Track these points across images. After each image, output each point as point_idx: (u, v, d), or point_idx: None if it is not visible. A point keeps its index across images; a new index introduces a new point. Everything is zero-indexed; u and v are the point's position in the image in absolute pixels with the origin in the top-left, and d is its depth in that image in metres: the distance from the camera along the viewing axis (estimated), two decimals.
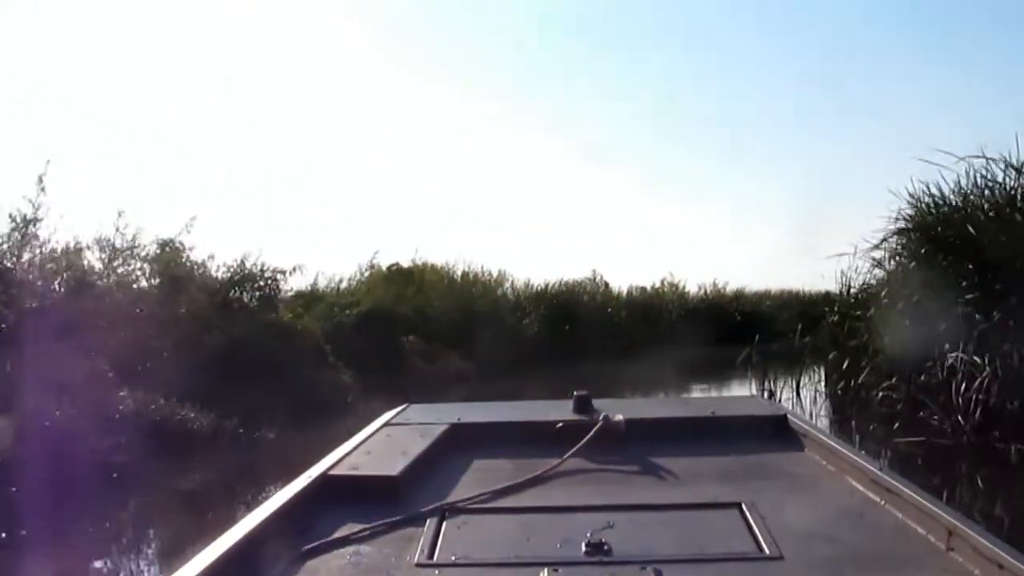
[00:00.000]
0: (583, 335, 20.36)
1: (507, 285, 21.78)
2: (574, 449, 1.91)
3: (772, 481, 1.80)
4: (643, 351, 21.64)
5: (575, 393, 2.30)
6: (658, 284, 27.72)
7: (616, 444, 2.01)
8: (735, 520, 1.51)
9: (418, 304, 16.00)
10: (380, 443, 2.04)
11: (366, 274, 16.20)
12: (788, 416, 2.24)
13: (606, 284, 26.61)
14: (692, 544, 1.43)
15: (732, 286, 29.75)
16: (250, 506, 1.72)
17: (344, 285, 15.97)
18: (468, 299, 17.71)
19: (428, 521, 1.54)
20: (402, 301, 15.60)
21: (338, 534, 1.49)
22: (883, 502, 1.59)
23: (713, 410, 2.33)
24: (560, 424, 2.11)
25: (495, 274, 21.27)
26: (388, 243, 23.21)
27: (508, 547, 1.44)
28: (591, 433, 1.98)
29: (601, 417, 2.07)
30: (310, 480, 1.70)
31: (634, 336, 22.53)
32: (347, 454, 1.91)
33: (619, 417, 2.07)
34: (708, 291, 28.69)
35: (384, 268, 17.43)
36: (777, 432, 2.16)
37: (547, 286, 22.11)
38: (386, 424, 2.26)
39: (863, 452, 1.97)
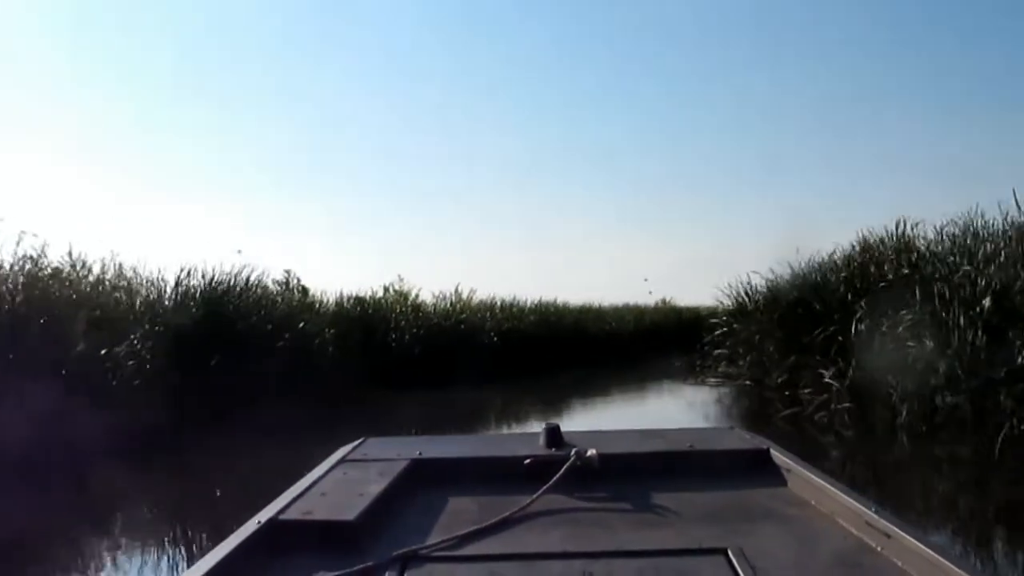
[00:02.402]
0: (253, 372, 11.10)
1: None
2: (544, 488, 1.76)
3: (758, 522, 1.64)
4: (374, 396, 12.92)
5: (545, 425, 2.12)
6: (379, 292, 19.06)
7: (590, 481, 1.85)
8: (721, 567, 1.38)
9: None
10: (335, 483, 1.86)
11: None
12: (771, 450, 2.04)
13: (303, 290, 17.54)
14: None
15: (481, 294, 21.85)
16: None
17: None
18: None
19: (388, 572, 1.41)
20: None
21: None
22: (880, 548, 1.45)
23: (691, 443, 2.12)
24: (529, 460, 1.93)
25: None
26: None
27: None
28: (562, 470, 1.83)
29: (573, 452, 1.90)
30: (257, 526, 1.54)
31: (347, 370, 13.56)
32: (298, 496, 1.74)
33: (592, 452, 1.91)
34: (451, 302, 20.36)
35: None
36: (760, 467, 1.99)
37: (184, 285, 12.25)
38: (341, 461, 2.06)
39: (854, 491, 1.68)
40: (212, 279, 12.18)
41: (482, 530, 1.58)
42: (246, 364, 11.05)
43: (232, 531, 1.51)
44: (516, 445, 2.11)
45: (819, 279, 13.20)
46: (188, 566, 1.85)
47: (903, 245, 12.51)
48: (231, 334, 11.42)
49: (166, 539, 6.67)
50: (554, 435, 2.08)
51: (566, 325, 23.75)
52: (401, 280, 20.01)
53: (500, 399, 15.30)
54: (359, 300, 17.34)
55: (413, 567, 1.43)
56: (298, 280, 18.65)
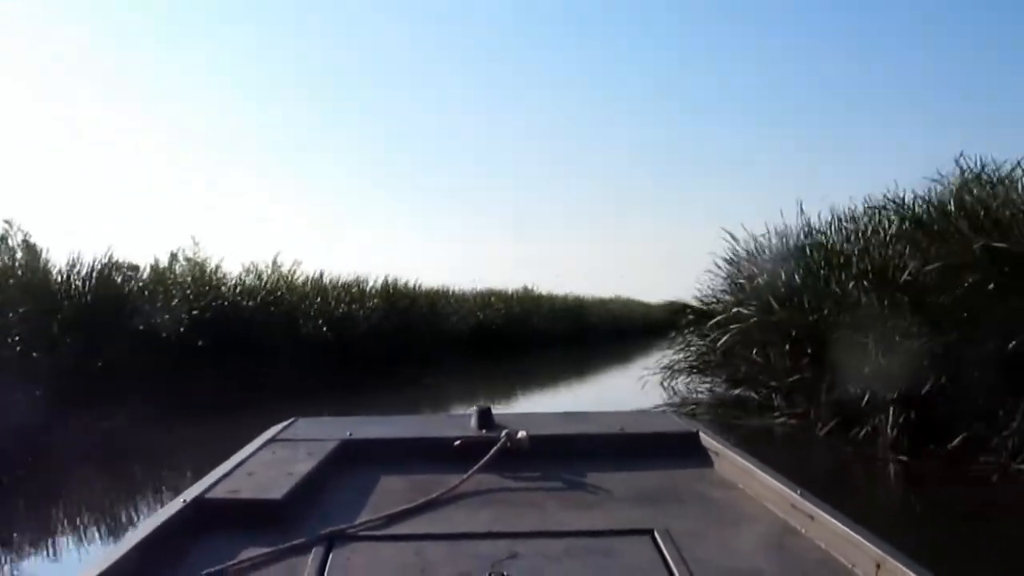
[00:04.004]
0: None
1: None
2: (473, 469, 1.75)
3: (685, 504, 1.65)
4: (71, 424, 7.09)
5: (477, 407, 2.10)
6: (164, 261, 13.26)
7: (520, 462, 1.84)
8: (647, 548, 1.39)
9: None
10: (264, 462, 1.83)
11: None
12: (700, 433, 2.05)
13: (29, 247, 11.77)
14: None
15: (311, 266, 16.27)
16: None
17: None
18: None
19: (314, 550, 1.37)
20: None
21: (213, 567, 1.30)
22: (804, 529, 1.47)
23: (622, 426, 2.12)
24: (459, 441, 1.92)
25: None
26: None
27: None
28: (492, 451, 1.82)
29: (503, 434, 1.89)
30: (183, 505, 1.51)
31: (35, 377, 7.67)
32: (226, 475, 1.70)
33: (522, 434, 1.89)
34: (262, 276, 14.65)
35: None
36: (689, 450, 1.99)
37: None
38: (271, 441, 2.03)
39: (779, 474, 1.66)
40: None
41: (410, 510, 1.57)
42: None
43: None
44: (447, 426, 2.10)
45: None
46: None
47: None
48: None
49: None
50: (485, 417, 2.06)
51: (419, 313, 18.46)
52: (196, 245, 14.04)
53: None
54: (109, 269, 11.27)
55: (339, 546, 1.41)
56: (25, 236, 12.43)
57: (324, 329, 14.49)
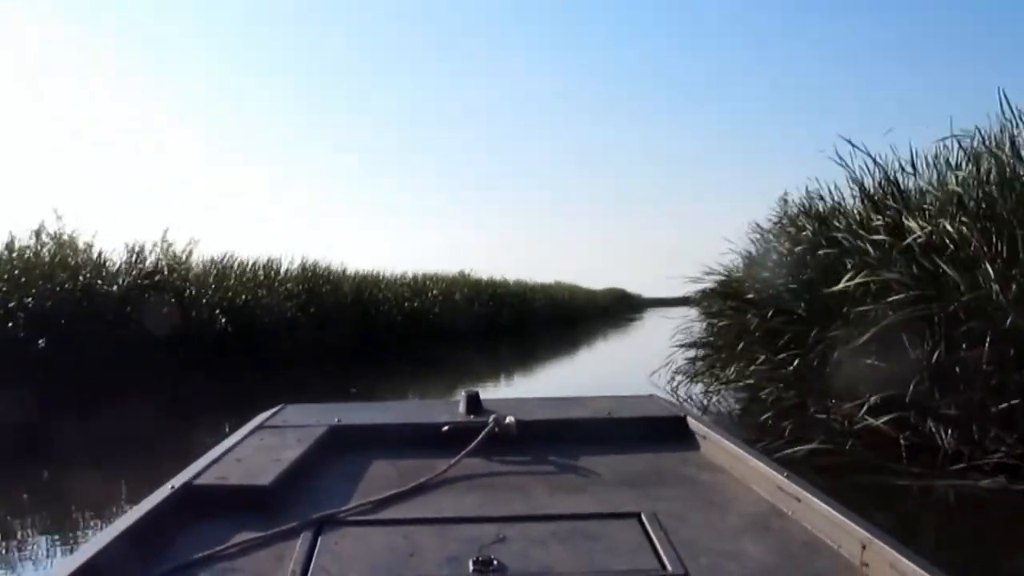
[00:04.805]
0: None
1: None
2: (461, 454, 1.76)
3: (672, 488, 1.65)
4: None
5: (465, 392, 2.09)
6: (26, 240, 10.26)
7: (508, 447, 1.85)
8: (635, 531, 1.39)
9: None
10: (252, 449, 1.82)
11: None
12: (688, 417, 2.05)
13: None
14: (589, 559, 1.29)
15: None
16: None
17: None
18: None
19: (302, 535, 1.37)
20: None
21: (201, 552, 1.30)
22: (790, 512, 1.47)
23: (610, 410, 2.11)
24: (447, 427, 1.93)
25: None
26: None
27: (389, 563, 1.28)
28: (480, 436, 1.83)
29: (491, 419, 1.89)
30: (171, 491, 1.49)
31: None
32: (214, 461, 1.69)
33: (510, 419, 1.89)
34: (143, 255, 11.75)
35: None
36: (676, 434, 2.00)
37: None
38: (259, 427, 2.02)
39: (766, 457, 1.67)
40: None
41: (399, 495, 1.57)
42: None
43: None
44: (436, 412, 2.09)
45: None
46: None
47: None
48: None
49: None
50: (474, 402, 2.06)
51: (343, 300, 15.75)
52: (60, 219, 10.88)
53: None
54: None
55: (328, 531, 1.40)
56: None
57: (223, 320, 11.72)
